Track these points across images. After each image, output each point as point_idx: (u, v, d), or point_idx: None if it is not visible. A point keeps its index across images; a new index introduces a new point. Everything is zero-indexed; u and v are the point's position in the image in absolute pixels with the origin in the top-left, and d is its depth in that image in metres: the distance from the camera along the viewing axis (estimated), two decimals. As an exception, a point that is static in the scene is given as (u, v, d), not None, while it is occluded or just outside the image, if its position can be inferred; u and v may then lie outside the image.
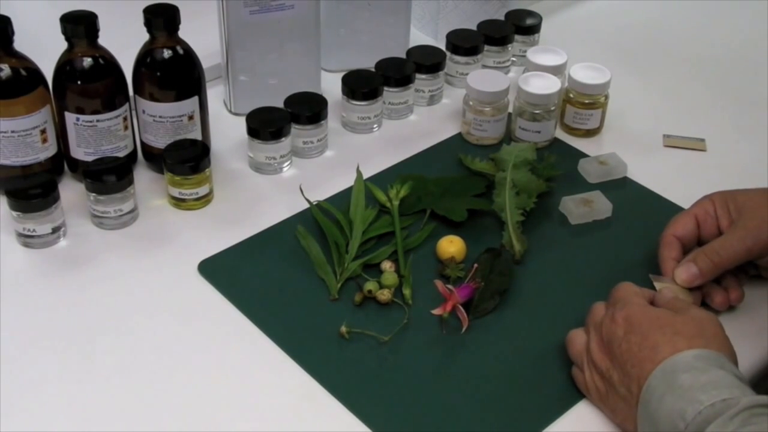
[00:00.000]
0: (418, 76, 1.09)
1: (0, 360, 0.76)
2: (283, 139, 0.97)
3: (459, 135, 1.06)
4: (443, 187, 0.96)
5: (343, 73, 1.06)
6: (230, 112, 1.07)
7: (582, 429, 0.74)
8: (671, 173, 1.02)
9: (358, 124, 1.06)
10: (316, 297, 0.83)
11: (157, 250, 0.89)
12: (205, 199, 0.94)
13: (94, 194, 0.88)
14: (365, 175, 0.94)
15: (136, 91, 0.93)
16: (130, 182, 0.89)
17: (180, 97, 0.93)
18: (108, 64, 0.91)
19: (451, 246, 0.87)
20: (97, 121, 0.91)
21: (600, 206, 0.94)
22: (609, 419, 0.74)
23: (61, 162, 0.95)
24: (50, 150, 0.92)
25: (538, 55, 1.10)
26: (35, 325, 0.80)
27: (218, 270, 0.86)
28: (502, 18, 1.19)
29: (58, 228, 0.88)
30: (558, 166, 0.98)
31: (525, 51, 1.13)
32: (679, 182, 1.00)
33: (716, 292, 0.83)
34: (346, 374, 0.77)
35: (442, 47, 1.13)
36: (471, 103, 1.03)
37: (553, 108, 1.03)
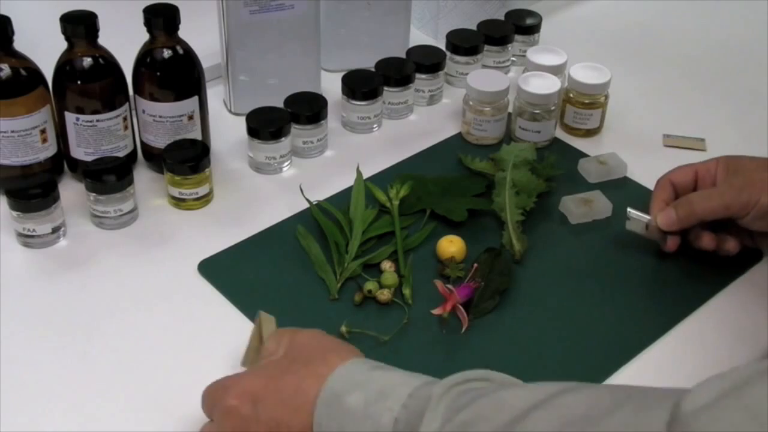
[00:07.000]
0: (417, 75, 1.09)
1: (0, 359, 0.76)
2: (282, 138, 0.97)
3: (459, 135, 1.06)
4: (443, 187, 0.96)
5: (343, 73, 1.06)
6: (230, 111, 1.07)
7: (582, 429, 0.74)
8: (671, 173, 1.02)
9: (358, 123, 1.06)
10: (316, 297, 0.83)
11: (157, 250, 0.89)
12: (204, 199, 0.94)
13: (94, 194, 0.88)
14: (365, 175, 0.94)
15: (135, 91, 0.93)
16: (130, 182, 0.89)
17: (180, 96, 0.93)
18: (108, 64, 0.91)
19: (451, 246, 0.87)
20: (97, 120, 0.91)
21: (600, 206, 0.94)
22: None
23: (61, 162, 0.95)
24: (50, 150, 0.92)
25: (537, 55, 1.09)
26: (35, 324, 0.80)
27: (218, 270, 0.86)
28: (502, 18, 1.19)
29: (58, 228, 0.88)
30: (558, 166, 0.98)
31: (525, 51, 1.13)
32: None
33: (728, 240, 0.85)
34: (346, 374, 0.76)
35: (442, 47, 1.13)
36: (471, 102, 1.03)
37: (552, 108, 1.02)
